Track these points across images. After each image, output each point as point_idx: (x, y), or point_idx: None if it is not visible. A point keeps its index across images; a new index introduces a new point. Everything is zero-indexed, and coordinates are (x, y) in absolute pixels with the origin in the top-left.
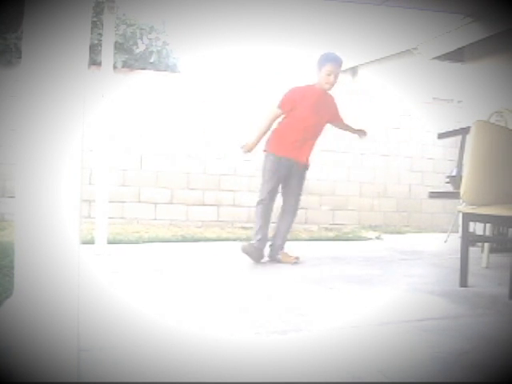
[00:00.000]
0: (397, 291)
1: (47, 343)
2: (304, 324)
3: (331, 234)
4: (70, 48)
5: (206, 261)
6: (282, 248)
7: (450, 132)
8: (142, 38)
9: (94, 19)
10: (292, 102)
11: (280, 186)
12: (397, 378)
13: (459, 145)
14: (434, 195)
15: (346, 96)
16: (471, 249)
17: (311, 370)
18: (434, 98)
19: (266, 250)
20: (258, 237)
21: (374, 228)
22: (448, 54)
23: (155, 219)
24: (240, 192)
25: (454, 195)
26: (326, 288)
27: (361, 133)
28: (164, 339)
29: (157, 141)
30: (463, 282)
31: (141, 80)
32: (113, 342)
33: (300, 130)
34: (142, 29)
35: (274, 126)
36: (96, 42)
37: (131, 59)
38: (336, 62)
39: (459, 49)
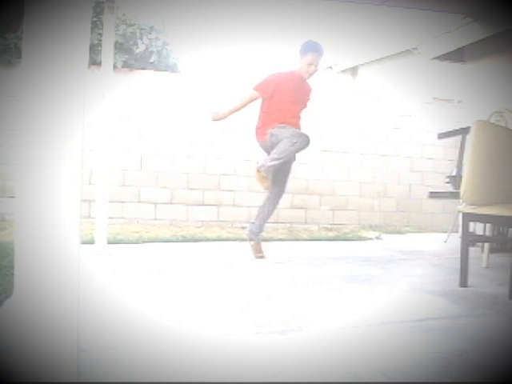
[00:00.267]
0: (397, 291)
1: (47, 343)
2: (304, 324)
3: (331, 234)
4: (70, 48)
5: (206, 261)
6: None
7: (450, 132)
8: (141, 38)
9: (94, 19)
10: (273, 86)
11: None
12: (397, 378)
13: (459, 145)
14: (434, 195)
15: (346, 96)
16: (471, 249)
17: (311, 369)
18: (433, 98)
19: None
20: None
21: (373, 228)
22: (448, 53)
23: (155, 219)
24: (240, 192)
25: (454, 195)
26: (325, 288)
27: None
28: (164, 339)
29: (157, 141)
30: (463, 282)
31: (141, 80)
32: (113, 342)
33: (286, 111)
34: (142, 29)
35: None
36: (96, 41)
37: (131, 59)
38: (318, 51)
39: (459, 49)
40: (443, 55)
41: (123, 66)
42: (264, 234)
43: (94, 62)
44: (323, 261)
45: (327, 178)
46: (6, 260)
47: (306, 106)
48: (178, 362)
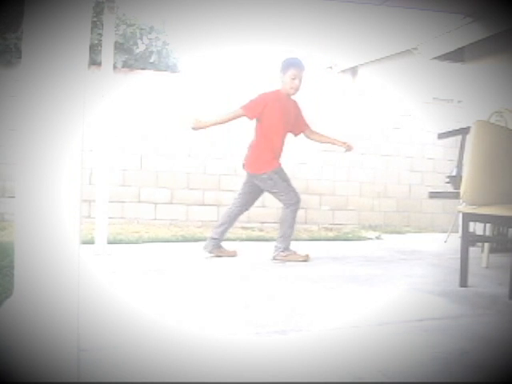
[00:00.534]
0: (397, 291)
1: (47, 343)
2: (304, 324)
3: (331, 234)
4: (70, 48)
5: (206, 261)
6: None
7: (450, 132)
8: (141, 38)
9: (94, 19)
10: (261, 109)
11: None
12: (397, 378)
13: (459, 145)
14: (434, 195)
15: (346, 96)
16: (471, 249)
17: (311, 369)
18: (434, 98)
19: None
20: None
21: (373, 228)
22: (448, 53)
23: (155, 219)
24: None
25: (454, 195)
26: (326, 288)
27: (346, 146)
28: (164, 339)
29: (157, 141)
30: (463, 282)
31: (141, 80)
32: (113, 342)
33: (277, 139)
34: (142, 29)
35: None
36: (96, 41)
37: (131, 59)
38: (299, 66)
39: (459, 49)
40: (443, 55)
41: (123, 66)
42: (264, 234)
43: (94, 62)
44: (323, 261)
45: (327, 178)
46: (6, 260)
47: (301, 126)
48: (178, 362)
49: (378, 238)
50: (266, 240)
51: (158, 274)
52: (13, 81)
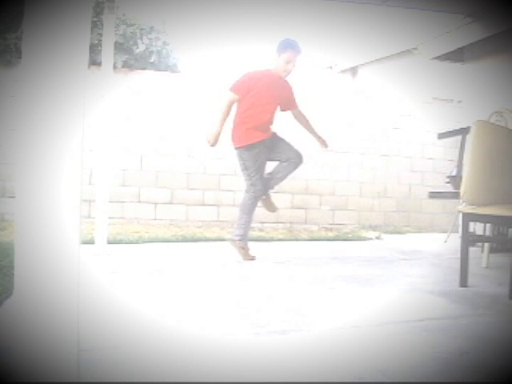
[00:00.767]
0: (397, 291)
1: (47, 343)
2: (304, 324)
3: (331, 234)
4: (70, 48)
5: (206, 261)
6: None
7: (450, 132)
8: (141, 38)
9: (94, 19)
10: (247, 85)
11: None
12: (397, 378)
13: (459, 145)
14: (434, 195)
15: (346, 96)
16: (471, 249)
17: (311, 369)
18: (433, 98)
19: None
20: (242, 232)
21: (373, 228)
22: (448, 53)
23: (155, 219)
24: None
25: (454, 195)
26: (326, 288)
27: (322, 142)
28: (164, 339)
29: (157, 141)
30: (463, 282)
31: (141, 80)
32: (113, 342)
33: (261, 112)
34: (142, 29)
35: (232, 115)
36: (96, 41)
37: (131, 59)
38: (296, 49)
39: (459, 49)
40: (443, 55)
41: (123, 66)
42: (264, 235)
43: (94, 62)
44: (323, 261)
45: (327, 177)
46: (6, 260)
47: (288, 104)
48: (177, 362)
49: (378, 238)
50: (266, 240)
51: (158, 274)
52: (13, 81)
